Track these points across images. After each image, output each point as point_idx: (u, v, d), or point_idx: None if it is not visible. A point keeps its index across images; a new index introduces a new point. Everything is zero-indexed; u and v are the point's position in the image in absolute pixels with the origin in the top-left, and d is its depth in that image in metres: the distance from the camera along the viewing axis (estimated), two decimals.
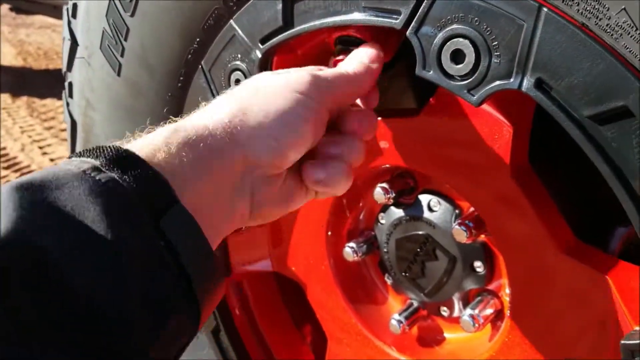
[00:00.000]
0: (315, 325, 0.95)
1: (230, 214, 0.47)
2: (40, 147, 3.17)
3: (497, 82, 0.47)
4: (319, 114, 0.50)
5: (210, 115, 0.47)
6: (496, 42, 0.46)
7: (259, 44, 0.67)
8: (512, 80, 0.46)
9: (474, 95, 0.48)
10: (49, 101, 3.82)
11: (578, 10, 0.43)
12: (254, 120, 0.47)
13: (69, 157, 0.41)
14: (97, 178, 0.37)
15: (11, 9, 3.79)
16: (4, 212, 0.33)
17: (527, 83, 0.45)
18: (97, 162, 0.39)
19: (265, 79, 0.52)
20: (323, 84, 0.51)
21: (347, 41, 0.63)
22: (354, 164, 0.54)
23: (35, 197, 0.35)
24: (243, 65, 0.70)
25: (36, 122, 3.52)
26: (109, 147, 0.41)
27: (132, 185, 0.38)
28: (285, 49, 0.68)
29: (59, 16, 3.46)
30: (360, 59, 0.56)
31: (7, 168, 2.95)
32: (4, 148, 3.18)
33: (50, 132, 3.37)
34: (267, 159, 0.48)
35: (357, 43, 0.62)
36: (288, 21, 0.63)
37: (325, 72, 0.53)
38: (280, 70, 0.54)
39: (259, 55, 0.67)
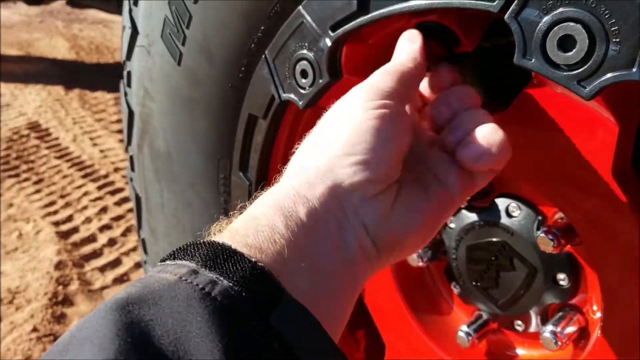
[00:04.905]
0: (370, 330, 0.90)
1: (347, 254, 0.43)
2: (91, 139, 3.24)
3: (615, 73, 0.41)
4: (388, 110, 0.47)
5: (286, 174, 0.47)
6: (616, 27, 0.40)
7: (329, 32, 0.62)
8: (634, 70, 0.40)
9: (585, 88, 0.42)
10: (99, 94, 3.91)
11: None
12: (324, 151, 0.45)
13: (163, 261, 0.39)
14: (195, 283, 0.35)
15: (67, 3, 3.89)
16: (105, 339, 0.31)
17: None
18: (192, 264, 0.37)
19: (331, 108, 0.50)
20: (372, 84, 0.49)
21: (427, 28, 0.58)
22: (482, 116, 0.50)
23: (132, 317, 0.33)
24: (310, 55, 0.65)
25: (87, 113, 3.60)
26: (203, 243, 0.39)
27: (233, 285, 0.36)
28: (357, 38, 0.63)
29: (110, 10, 3.52)
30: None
31: (59, 158, 3.02)
32: (57, 138, 3.27)
33: (100, 124, 3.44)
34: (354, 181, 0.44)
35: (439, 30, 0.57)
36: (363, 5, 0.58)
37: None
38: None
39: (329, 43, 0.62)
